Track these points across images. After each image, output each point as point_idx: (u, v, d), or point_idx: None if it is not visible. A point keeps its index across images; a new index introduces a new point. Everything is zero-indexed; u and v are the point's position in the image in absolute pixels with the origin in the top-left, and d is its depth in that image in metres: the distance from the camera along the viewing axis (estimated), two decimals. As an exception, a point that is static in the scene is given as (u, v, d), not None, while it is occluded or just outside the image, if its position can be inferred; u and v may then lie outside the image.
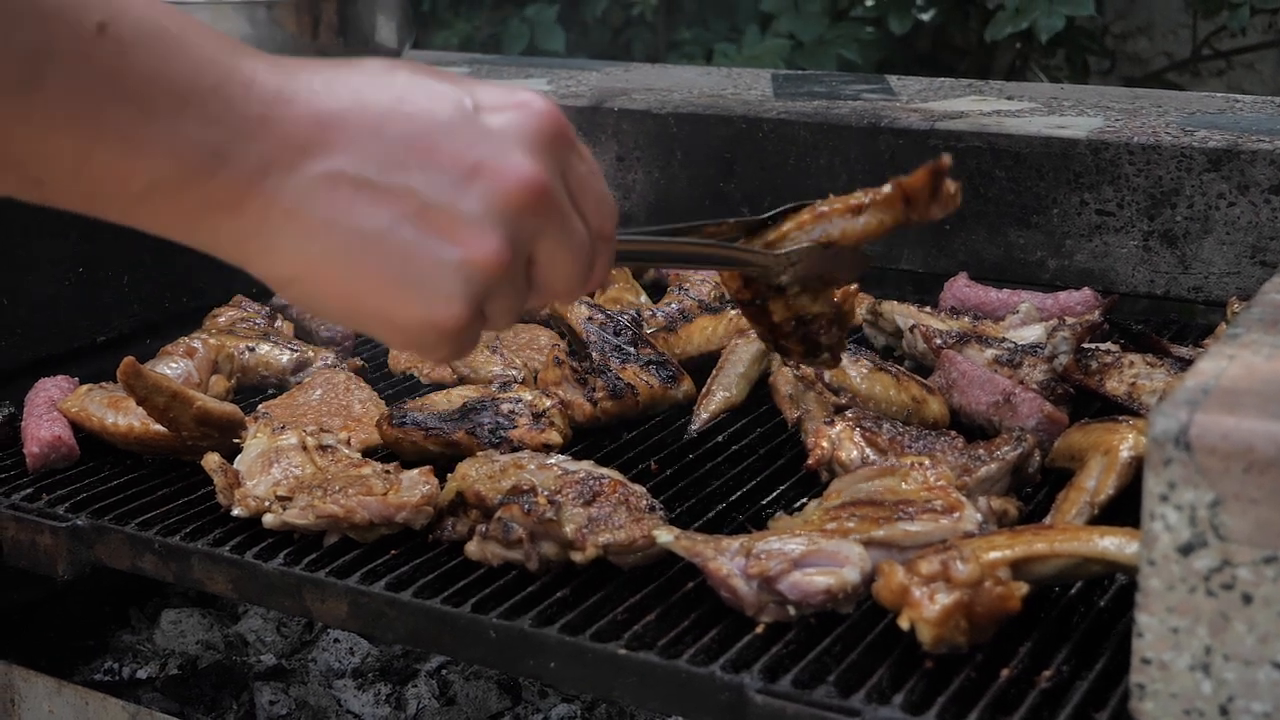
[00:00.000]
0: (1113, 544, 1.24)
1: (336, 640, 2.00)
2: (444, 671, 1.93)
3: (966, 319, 1.91)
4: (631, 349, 1.78)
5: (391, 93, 0.97)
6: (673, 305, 1.96)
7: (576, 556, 1.37)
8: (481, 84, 1.02)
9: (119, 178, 0.90)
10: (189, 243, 0.96)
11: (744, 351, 1.80)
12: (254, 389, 1.91)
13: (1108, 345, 1.80)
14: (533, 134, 1.00)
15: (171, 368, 1.81)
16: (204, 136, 0.90)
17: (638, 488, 1.45)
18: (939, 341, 1.80)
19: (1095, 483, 1.43)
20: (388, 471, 1.52)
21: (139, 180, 0.90)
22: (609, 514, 1.39)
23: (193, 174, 0.91)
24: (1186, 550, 1.00)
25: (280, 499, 1.47)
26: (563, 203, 1.02)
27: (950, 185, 1.34)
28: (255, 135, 0.92)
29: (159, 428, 1.63)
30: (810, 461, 1.50)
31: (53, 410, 1.72)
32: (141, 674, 1.96)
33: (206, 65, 0.91)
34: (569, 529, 1.37)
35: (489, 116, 0.99)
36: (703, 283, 2.02)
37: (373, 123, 0.95)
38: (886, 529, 1.30)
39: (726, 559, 1.29)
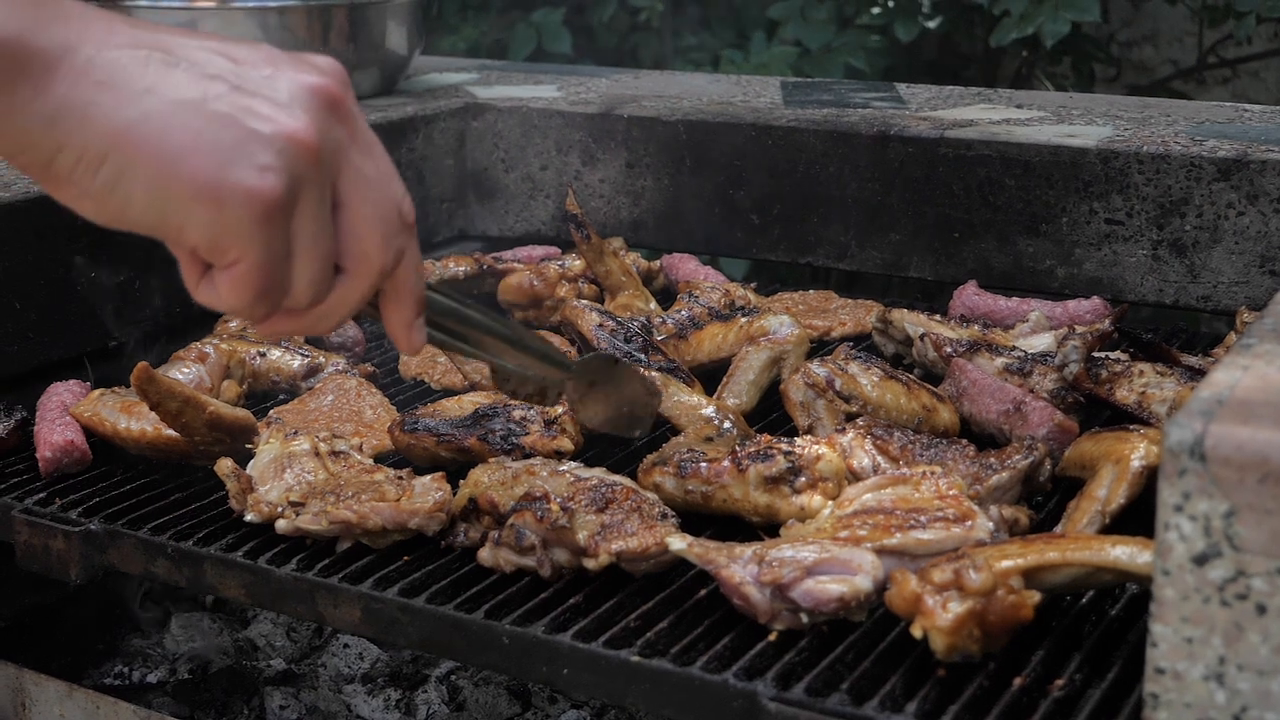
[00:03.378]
0: (1125, 553, 1.24)
1: (346, 645, 2.01)
2: (453, 677, 1.94)
3: (976, 327, 1.92)
4: (642, 355, 1.79)
5: (184, 30, 1.04)
6: (683, 312, 1.96)
7: (589, 563, 1.37)
8: None
9: None
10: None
11: (755, 359, 1.81)
12: (265, 394, 1.92)
13: (1117, 354, 1.80)
14: (324, 63, 1.06)
15: (183, 373, 1.81)
16: (5, 19, 0.93)
17: (650, 495, 1.46)
18: (949, 350, 1.81)
19: (1107, 492, 1.44)
20: (400, 477, 1.52)
21: None
22: (621, 521, 1.39)
23: None
24: (1201, 560, 1.00)
25: (293, 504, 1.48)
26: (361, 134, 1.05)
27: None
28: (61, 19, 0.96)
29: (171, 433, 1.63)
30: None
31: (65, 415, 1.72)
32: (151, 678, 1.97)
33: None
34: (582, 536, 1.37)
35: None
36: (713, 289, 2.02)
37: (171, 35, 1.01)
38: (899, 537, 1.30)
39: (739, 566, 1.29)
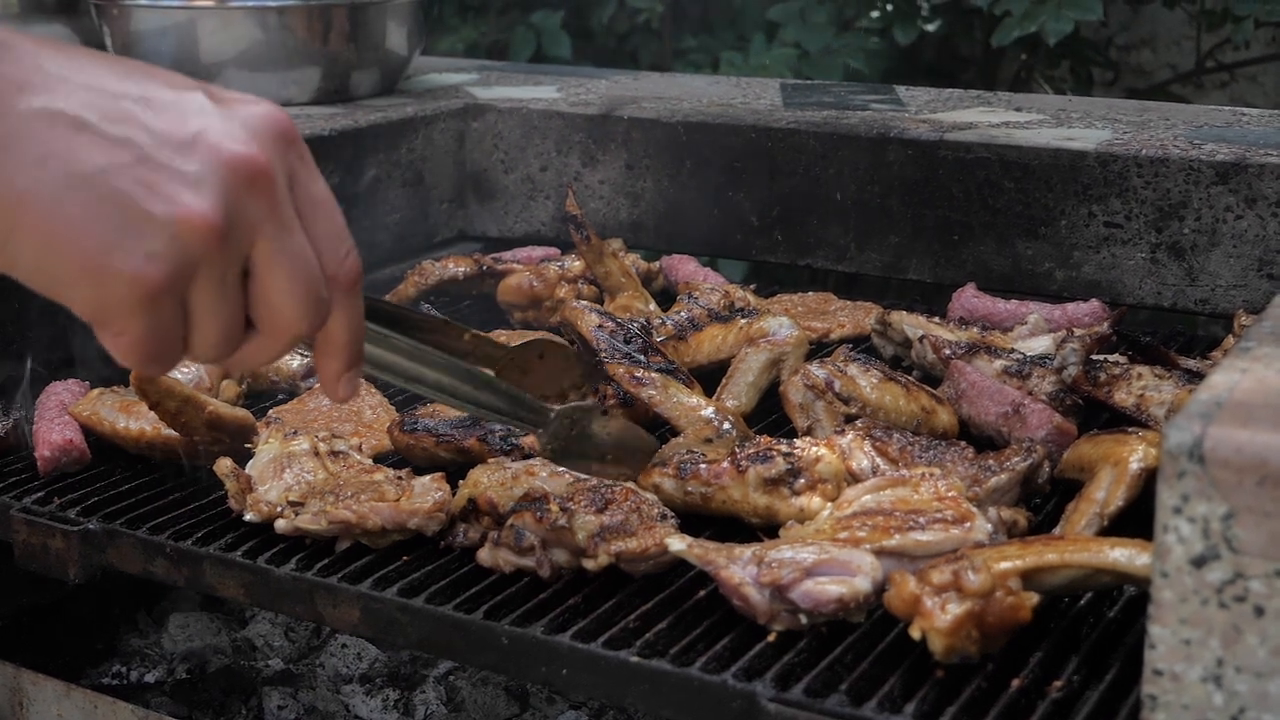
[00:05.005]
0: (1123, 555, 1.25)
1: (344, 645, 2.01)
2: (451, 677, 1.94)
3: (975, 329, 1.92)
4: (642, 357, 1.79)
5: (124, 67, 0.97)
6: (682, 313, 1.96)
7: (588, 564, 1.37)
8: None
9: None
10: None
11: (754, 360, 1.81)
12: (264, 394, 1.92)
13: (1116, 357, 1.81)
14: (259, 122, 0.97)
15: (183, 372, 1.81)
16: None
17: (649, 495, 1.46)
18: (948, 352, 1.81)
19: (1105, 494, 1.44)
20: (399, 478, 1.53)
21: None
22: (621, 521, 1.39)
23: None
24: (1199, 563, 1.00)
25: (292, 504, 1.48)
26: (285, 206, 0.98)
27: None
28: None
29: (170, 432, 1.63)
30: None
31: (64, 414, 1.73)
32: (149, 678, 1.97)
33: None
34: (581, 536, 1.38)
35: (217, 102, 0.97)
36: (712, 291, 2.02)
37: (99, 80, 0.94)
38: (898, 538, 1.31)
39: (739, 567, 1.29)
